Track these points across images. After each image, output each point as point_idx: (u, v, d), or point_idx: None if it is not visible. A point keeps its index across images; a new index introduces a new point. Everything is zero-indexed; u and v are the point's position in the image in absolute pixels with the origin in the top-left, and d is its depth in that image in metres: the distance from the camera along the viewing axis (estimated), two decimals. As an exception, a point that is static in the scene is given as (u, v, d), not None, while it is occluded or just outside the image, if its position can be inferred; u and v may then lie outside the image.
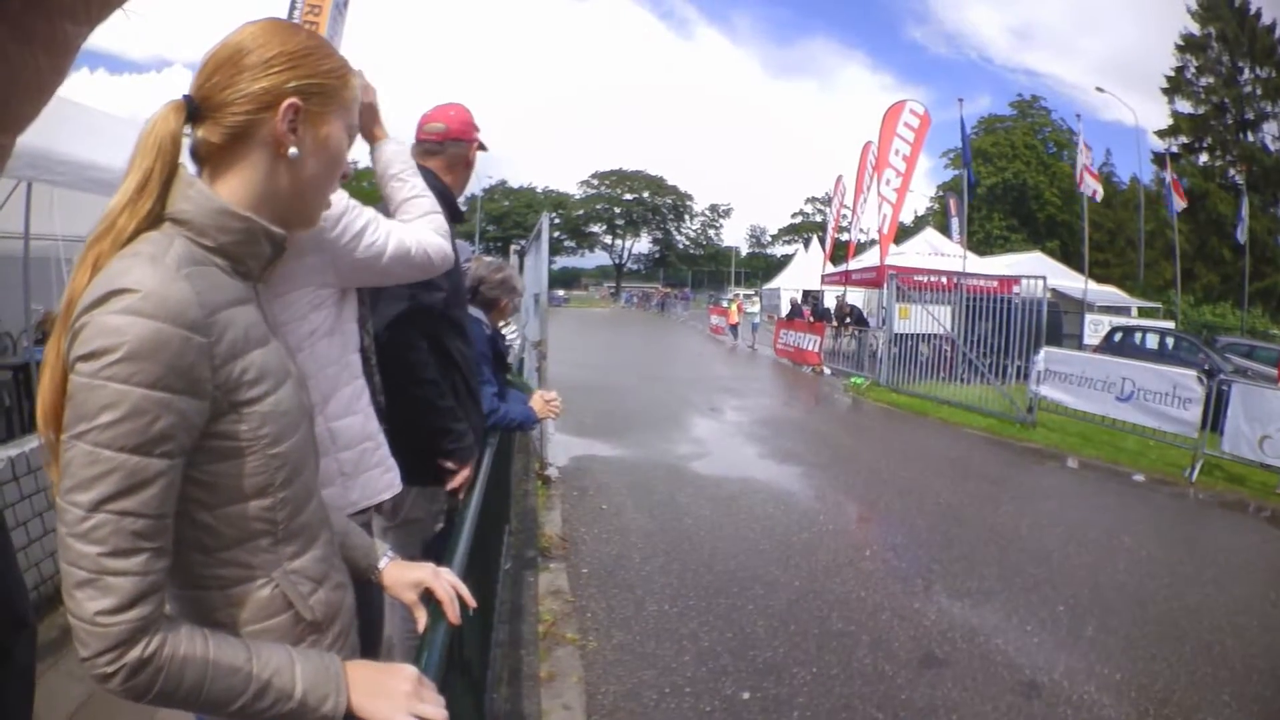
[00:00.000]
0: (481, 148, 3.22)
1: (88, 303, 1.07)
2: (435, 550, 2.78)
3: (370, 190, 2.55)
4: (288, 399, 1.30)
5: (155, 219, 1.19)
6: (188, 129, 1.27)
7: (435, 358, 2.85)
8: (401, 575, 1.67)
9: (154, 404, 1.06)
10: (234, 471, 1.22)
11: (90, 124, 6.20)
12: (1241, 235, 34.44)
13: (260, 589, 1.28)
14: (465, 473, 2.89)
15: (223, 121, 1.28)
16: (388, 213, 2.22)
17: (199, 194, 1.24)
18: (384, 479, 2.25)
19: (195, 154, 1.31)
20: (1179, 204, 33.86)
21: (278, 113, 1.30)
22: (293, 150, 1.33)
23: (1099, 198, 27.53)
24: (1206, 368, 13.05)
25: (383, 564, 1.67)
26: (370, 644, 1.93)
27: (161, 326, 1.07)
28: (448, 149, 3.07)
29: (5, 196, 8.09)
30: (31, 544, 4.83)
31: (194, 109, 1.27)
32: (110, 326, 1.04)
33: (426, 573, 1.67)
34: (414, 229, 2.16)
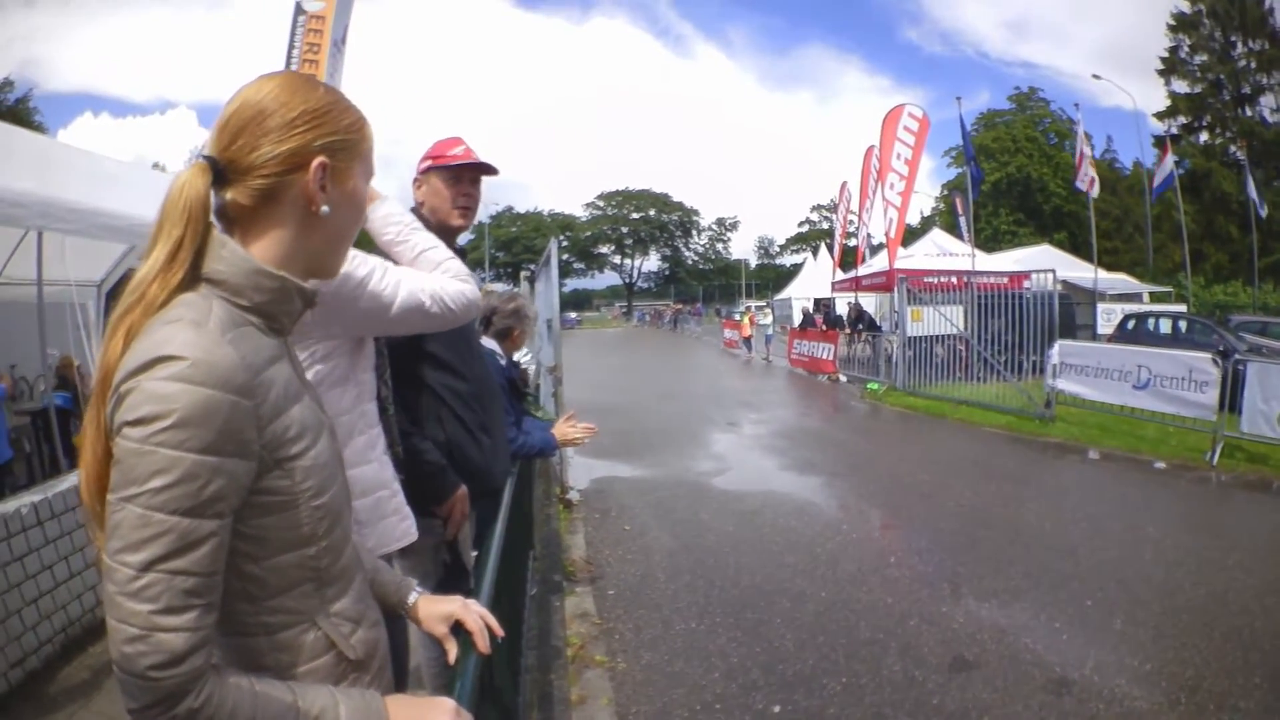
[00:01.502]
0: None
1: (132, 368, 1.08)
2: (448, 584, 2.80)
3: None
4: (326, 451, 1.33)
5: (189, 282, 1.20)
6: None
7: (410, 395, 2.81)
8: (432, 609, 1.70)
9: (206, 469, 1.08)
10: (281, 525, 1.24)
11: (96, 170, 6.32)
12: (1263, 209, 34.23)
13: (304, 633, 1.30)
14: (454, 514, 2.84)
15: (251, 184, 1.29)
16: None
17: (233, 255, 1.25)
18: (400, 527, 2.28)
19: (222, 214, 1.31)
20: (1159, 184, 33.63)
21: (308, 172, 1.32)
22: (324, 208, 1.35)
23: (1095, 192, 27.37)
24: (1221, 349, 13.01)
25: (412, 599, 1.70)
26: (398, 675, 1.96)
27: (211, 394, 1.09)
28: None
29: (16, 245, 8.20)
30: (58, 587, 4.93)
31: (219, 170, 1.27)
32: (160, 393, 1.06)
33: (456, 605, 1.70)
34: (429, 278, 2.15)
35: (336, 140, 1.36)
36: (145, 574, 1.04)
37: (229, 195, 1.29)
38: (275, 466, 1.22)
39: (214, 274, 1.22)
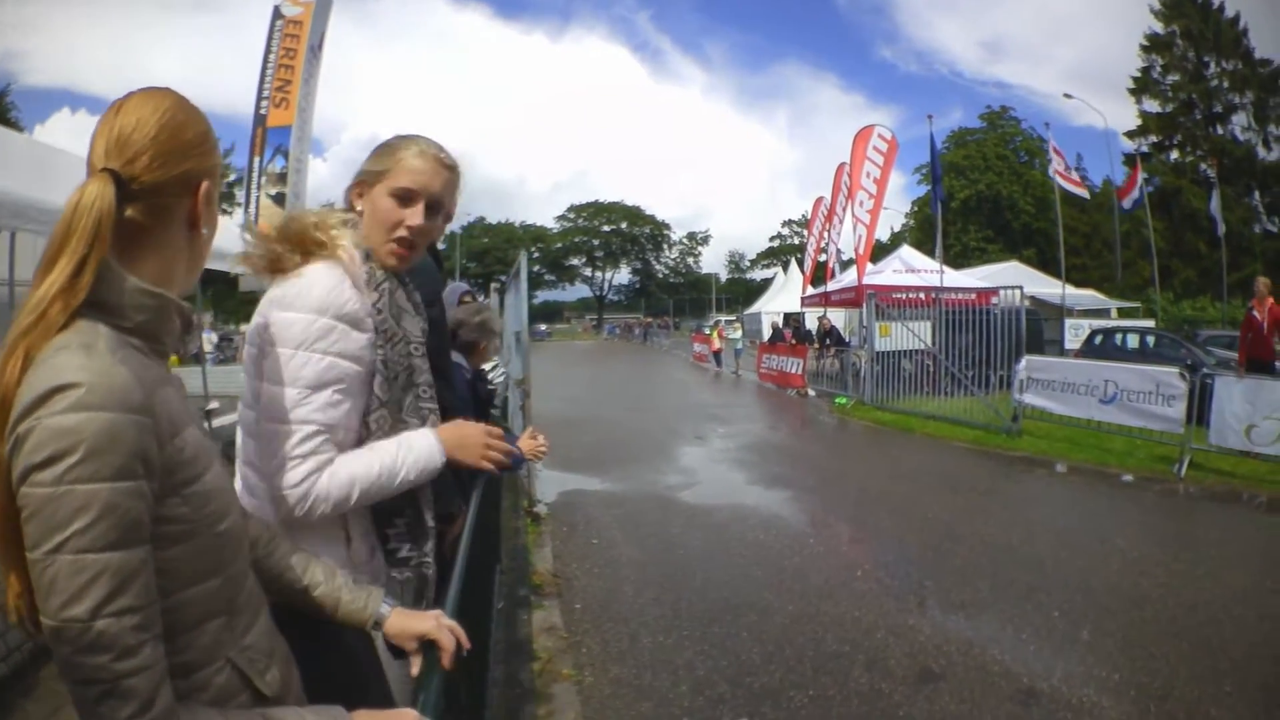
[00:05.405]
0: None
1: (29, 404, 1.04)
2: (428, 596, 2.75)
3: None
4: (220, 476, 1.31)
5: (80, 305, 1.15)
6: None
7: None
8: (406, 627, 1.65)
9: (123, 495, 1.05)
10: (187, 555, 1.21)
11: (73, 171, 6.20)
12: (1219, 226, 34.78)
13: (219, 672, 1.27)
14: (455, 527, 2.79)
15: (155, 201, 1.26)
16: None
17: (112, 273, 1.19)
18: None
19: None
20: (1130, 200, 34.00)
21: (198, 194, 1.33)
22: (205, 229, 1.37)
23: (1087, 196, 27.63)
24: (1189, 363, 13.14)
25: (384, 611, 1.65)
26: (379, 693, 1.89)
27: (114, 416, 1.05)
28: None
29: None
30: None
31: (119, 184, 1.21)
32: (62, 427, 1.02)
33: (430, 624, 1.65)
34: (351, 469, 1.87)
35: (215, 165, 1.38)
36: (94, 623, 1.01)
37: (128, 212, 1.23)
38: (173, 493, 1.18)
39: (94, 294, 1.16)
